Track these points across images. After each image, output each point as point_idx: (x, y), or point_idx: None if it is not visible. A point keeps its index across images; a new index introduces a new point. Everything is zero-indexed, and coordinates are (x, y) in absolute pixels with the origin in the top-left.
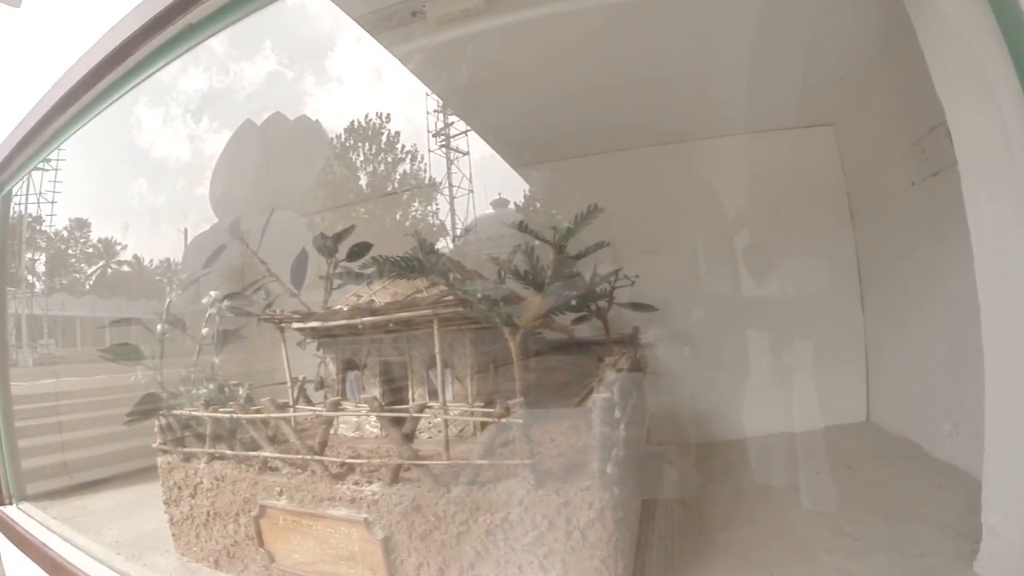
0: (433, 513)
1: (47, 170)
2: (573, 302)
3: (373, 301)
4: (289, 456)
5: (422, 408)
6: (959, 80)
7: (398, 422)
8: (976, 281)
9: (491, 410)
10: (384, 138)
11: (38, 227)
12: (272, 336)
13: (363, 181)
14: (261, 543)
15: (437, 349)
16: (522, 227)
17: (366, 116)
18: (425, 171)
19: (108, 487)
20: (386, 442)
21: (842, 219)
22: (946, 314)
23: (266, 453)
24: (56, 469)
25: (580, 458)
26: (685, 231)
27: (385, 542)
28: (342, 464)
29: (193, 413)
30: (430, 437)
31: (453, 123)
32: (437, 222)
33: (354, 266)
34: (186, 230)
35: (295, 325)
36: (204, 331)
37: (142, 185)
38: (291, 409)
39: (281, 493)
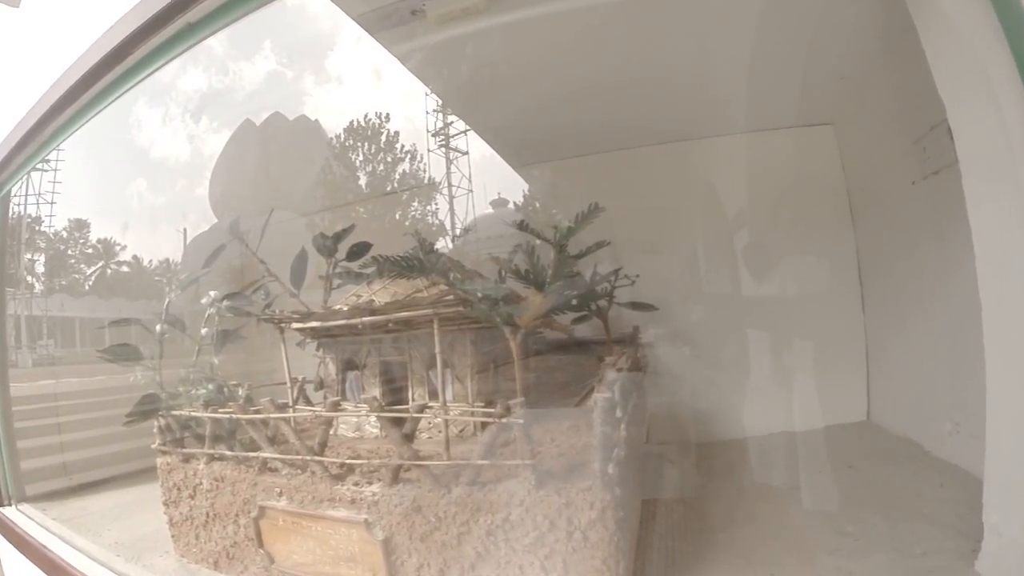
0: (433, 514)
1: (46, 170)
2: (573, 301)
3: (373, 301)
4: (289, 457)
5: (422, 408)
6: (960, 78)
7: (398, 422)
8: (977, 280)
9: (491, 410)
10: (383, 138)
11: (37, 227)
12: (271, 336)
13: (363, 181)
14: (261, 544)
15: (437, 349)
16: (522, 226)
17: (365, 116)
18: (425, 171)
19: (107, 488)
20: (386, 442)
21: (842, 218)
22: (947, 313)
23: (266, 454)
24: (55, 470)
25: (581, 458)
26: (685, 231)
27: (385, 543)
28: (342, 465)
29: (192, 414)
30: (430, 437)
31: (453, 122)
32: (437, 222)
33: (354, 266)
34: (185, 230)
35: (295, 325)
36: (203, 331)
37: (141, 185)
38: (291, 409)
39: (281, 494)
